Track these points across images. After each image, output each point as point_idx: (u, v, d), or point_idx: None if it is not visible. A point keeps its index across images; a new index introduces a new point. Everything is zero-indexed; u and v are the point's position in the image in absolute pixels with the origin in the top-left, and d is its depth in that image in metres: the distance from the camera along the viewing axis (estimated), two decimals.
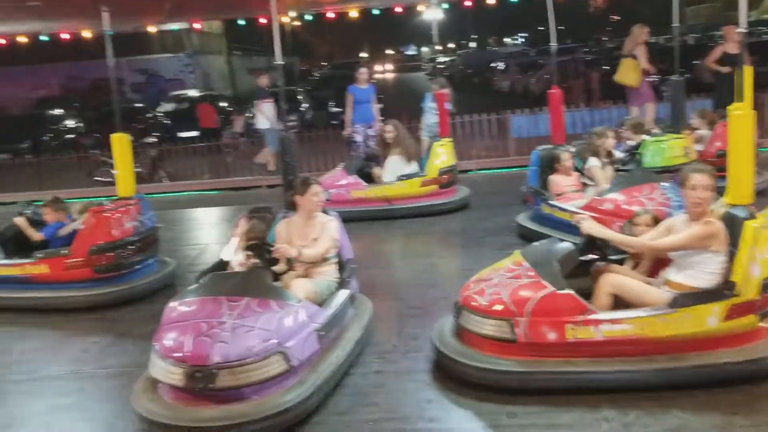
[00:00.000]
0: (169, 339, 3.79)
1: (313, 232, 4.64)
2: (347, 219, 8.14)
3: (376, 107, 9.99)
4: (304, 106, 21.32)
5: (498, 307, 3.97)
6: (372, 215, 8.00)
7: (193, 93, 25.35)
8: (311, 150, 12.49)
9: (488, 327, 3.98)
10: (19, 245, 6.25)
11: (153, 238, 6.27)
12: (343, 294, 4.48)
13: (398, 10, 13.44)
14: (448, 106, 9.69)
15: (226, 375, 3.60)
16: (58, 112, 22.14)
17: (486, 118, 12.27)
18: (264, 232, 4.77)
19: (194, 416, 3.57)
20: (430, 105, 9.65)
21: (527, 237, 6.60)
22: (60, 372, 4.66)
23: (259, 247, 4.29)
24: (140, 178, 12.68)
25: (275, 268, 4.39)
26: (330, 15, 13.47)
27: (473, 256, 6.46)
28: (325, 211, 4.83)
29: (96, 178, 12.98)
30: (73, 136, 20.72)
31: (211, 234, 8.68)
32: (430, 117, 9.60)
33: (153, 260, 6.28)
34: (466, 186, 8.72)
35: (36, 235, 6.13)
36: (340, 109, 20.61)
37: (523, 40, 67.54)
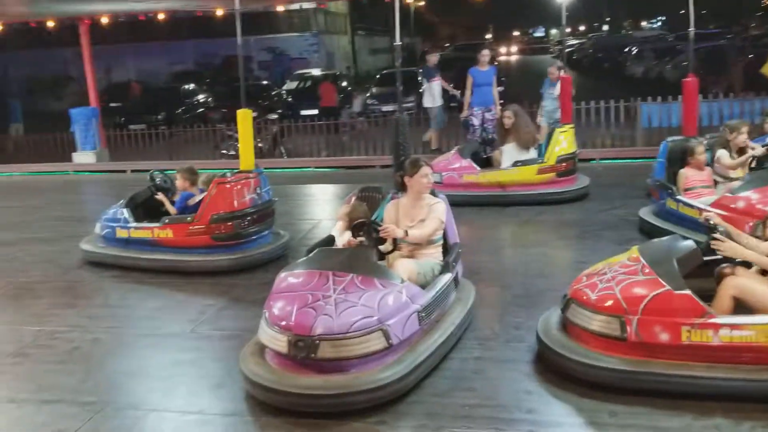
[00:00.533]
0: (276, 307, 3.93)
1: (420, 214, 4.65)
2: (459, 203, 8.15)
3: (496, 90, 9.81)
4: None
5: (609, 303, 3.82)
6: (484, 201, 7.90)
7: (316, 72, 26.01)
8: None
9: (597, 322, 3.85)
10: (147, 210, 6.69)
11: (269, 211, 6.51)
12: (446, 277, 4.46)
13: None
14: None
15: (328, 346, 3.69)
16: (190, 86, 23.35)
17: (613, 105, 11.75)
18: (366, 213, 4.81)
19: (295, 383, 3.68)
20: (549, 91, 9.34)
21: (648, 232, 6.32)
22: (180, 330, 4.95)
23: (367, 226, 4.35)
24: (261, 153, 13.29)
25: (381, 247, 4.43)
26: None
27: (588, 248, 6.25)
28: (433, 193, 4.81)
29: (222, 151, 13.65)
30: (202, 110, 21.90)
31: (325, 210, 8.89)
32: (550, 102, 9.30)
33: (268, 232, 6.52)
34: (586, 175, 8.41)
35: (172, 209, 6.52)
36: (459, 92, 20.59)
37: (661, 23, 64.03)
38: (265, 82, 23.75)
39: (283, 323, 3.81)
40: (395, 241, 4.41)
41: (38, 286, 6.14)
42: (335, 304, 3.82)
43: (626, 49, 29.92)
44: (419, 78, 11.55)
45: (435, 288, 4.30)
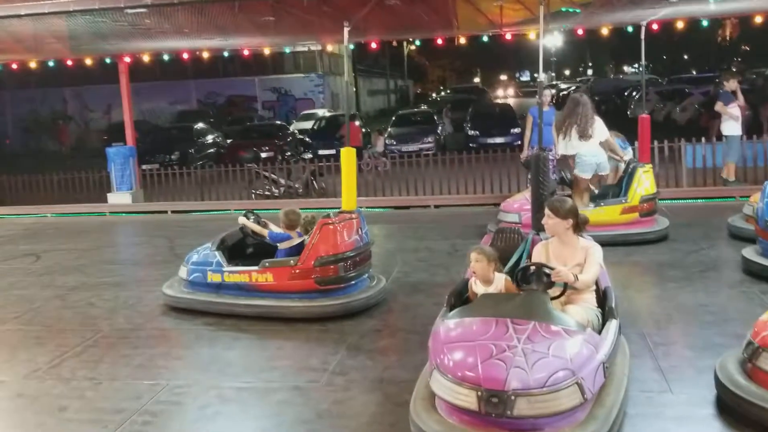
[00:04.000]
0: (454, 359, 3.63)
1: (575, 257, 4.41)
2: None
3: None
4: (442, 128, 21.23)
5: None
6: None
7: (331, 112, 25.94)
8: (454, 172, 12.08)
9: None
10: (235, 254, 6.35)
11: (368, 253, 6.23)
12: (614, 324, 4.19)
13: (507, 37, 12.67)
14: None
15: (524, 403, 3.40)
16: (201, 126, 23.08)
17: (657, 145, 11.64)
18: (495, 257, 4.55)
19: None
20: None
21: (758, 274, 6.15)
22: (311, 383, 4.58)
23: (537, 269, 4.11)
24: (296, 194, 13.00)
25: (549, 292, 4.17)
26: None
27: (702, 291, 6.04)
28: (581, 235, 4.60)
29: (254, 191, 13.30)
30: (214, 149, 21.62)
31: (397, 253, 8.56)
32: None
33: (366, 275, 6.23)
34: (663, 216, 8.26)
35: (262, 231, 6.21)
36: (477, 132, 20.57)
37: (638, 68, 65.45)
38: (279, 122, 23.55)
39: (469, 376, 3.51)
40: (565, 286, 4.16)
41: (130, 334, 5.75)
42: (524, 355, 3.54)
43: (626, 92, 30.26)
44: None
45: (610, 336, 4.04)
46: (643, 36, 9.00)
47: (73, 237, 10.09)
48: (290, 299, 5.86)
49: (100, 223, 11.40)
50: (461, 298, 4.59)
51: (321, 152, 18.91)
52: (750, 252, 6.47)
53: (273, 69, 31.26)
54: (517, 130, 20.18)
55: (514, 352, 3.56)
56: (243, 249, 6.54)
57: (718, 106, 10.99)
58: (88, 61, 11.95)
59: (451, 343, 3.77)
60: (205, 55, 12.52)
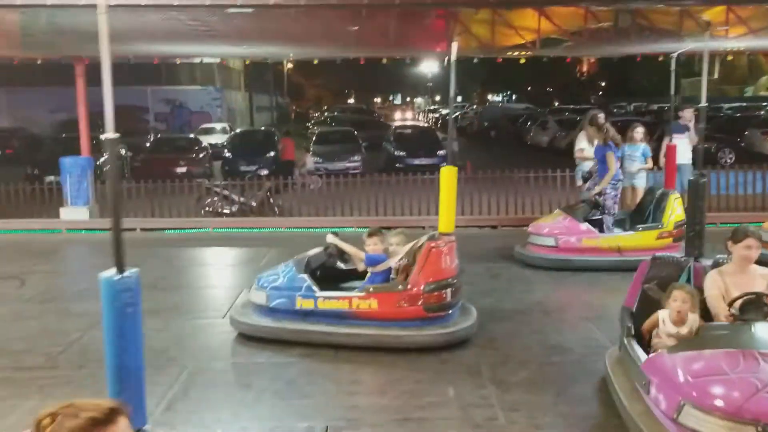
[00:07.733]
0: (716, 394, 3.51)
1: (756, 284, 4.41)
2: (578, 268, 7.90)
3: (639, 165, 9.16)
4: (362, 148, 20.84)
5: None
6: (603, 266, 7.78)
7: (225, 126, 24.71)
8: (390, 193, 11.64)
9: None
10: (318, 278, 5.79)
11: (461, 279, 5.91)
12: None
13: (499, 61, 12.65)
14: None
15: None
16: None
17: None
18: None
19: None
20: (629, 153, 9.25)
21: None
22: (490, 420, 4.23)
23: (758, 300, 4.07)
24: (251, 212, 12.21)
25: None
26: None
27: None
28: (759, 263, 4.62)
29: (205, 208, 12.35)
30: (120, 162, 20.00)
31: None
32: (631, 164, 9.20)
33: (459, 303, 5.91)
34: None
35: (358, 253, 5.73)
36: (404, 153, 20.40)
37: (507, 98, 69.15)
38: (192, 136, 22.12)
39: (742, 412, 3.39)
40: None
41: (229, 369, 5.10)
42: None
43: (520, 120, 31.55)
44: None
45: None
46: (673, 67, 9.28)
47: (44, 257, 8.81)
48: (394, 327, 5.41)
49: (62, 241, 10.03)
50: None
51: (243, 169, 17.80)
52: None
53: (167, 80, 29.53)
54: (442, 152, 20.28)
55: None
56: (314, 272, 5.97)
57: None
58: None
59: (700, 378, 3.64)
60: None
